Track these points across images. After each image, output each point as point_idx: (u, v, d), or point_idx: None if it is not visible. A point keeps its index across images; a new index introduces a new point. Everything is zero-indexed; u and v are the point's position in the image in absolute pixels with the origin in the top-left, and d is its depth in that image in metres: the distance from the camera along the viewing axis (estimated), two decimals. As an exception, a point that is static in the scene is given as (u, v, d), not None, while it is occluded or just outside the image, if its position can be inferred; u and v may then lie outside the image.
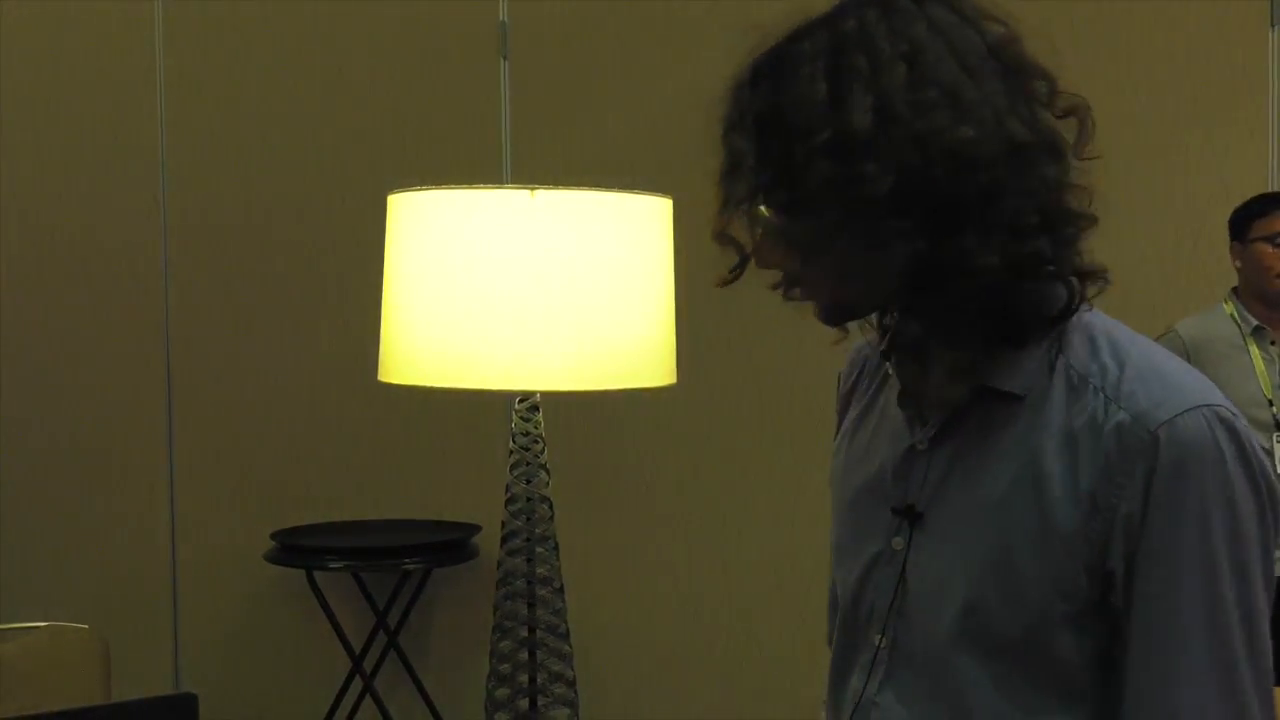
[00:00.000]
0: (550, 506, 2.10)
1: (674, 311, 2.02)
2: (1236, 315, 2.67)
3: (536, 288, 1.89)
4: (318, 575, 2.80)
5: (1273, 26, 2.71)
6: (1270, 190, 2.75)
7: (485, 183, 1.99)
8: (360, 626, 2.91)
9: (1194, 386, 0.95)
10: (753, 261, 1.03)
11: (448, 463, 2.98)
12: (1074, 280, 0.96)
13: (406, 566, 2.79)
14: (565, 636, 2.11)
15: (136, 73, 3.01)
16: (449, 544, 2.84)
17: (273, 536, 2.85)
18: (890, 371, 1.08)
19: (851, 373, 1.19)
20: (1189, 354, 2.61)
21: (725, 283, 1.06)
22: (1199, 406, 0.93)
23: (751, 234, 1.00)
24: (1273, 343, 2.66)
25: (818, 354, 3.26)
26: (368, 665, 2.88)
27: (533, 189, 1.92)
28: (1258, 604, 0.94)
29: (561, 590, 2.11)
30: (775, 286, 1.04)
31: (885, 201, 0.91)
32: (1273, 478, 0.95)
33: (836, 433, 1.18)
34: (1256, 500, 0.94)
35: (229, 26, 3.02)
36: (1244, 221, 2.67)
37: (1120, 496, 0.93)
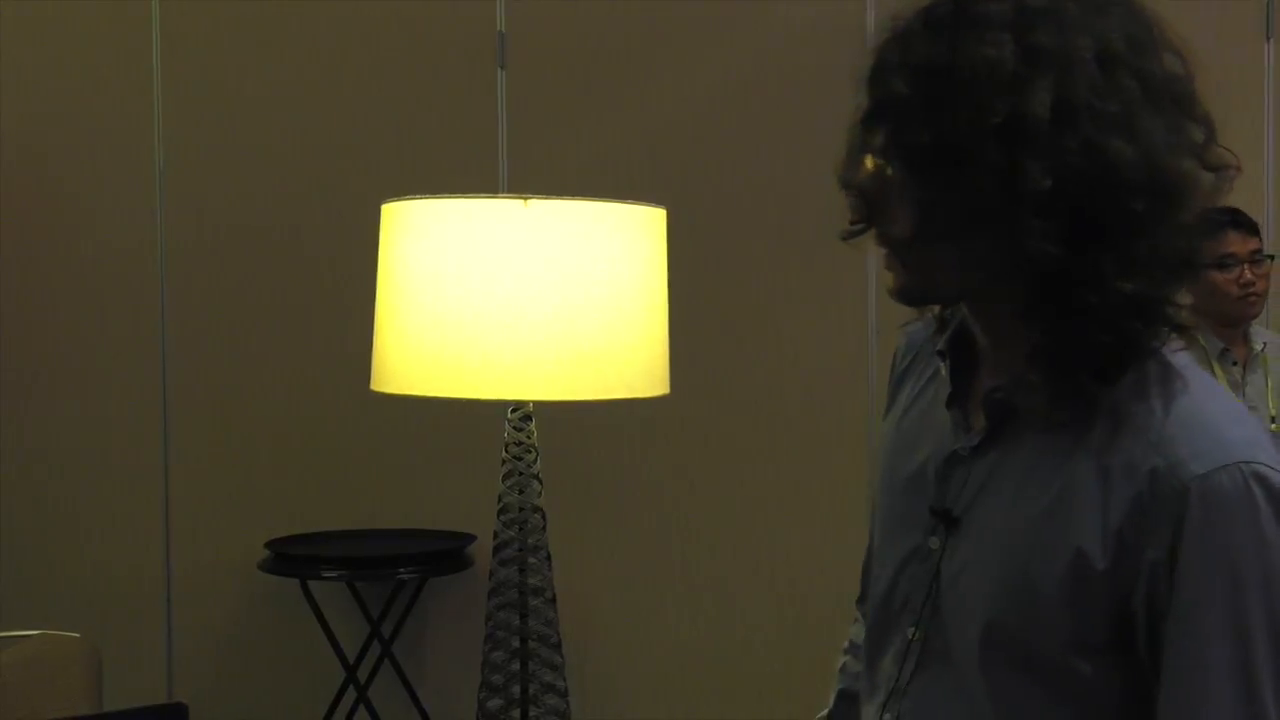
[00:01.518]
0: (542, 516, 2.10)
1: (667, 321, 2.02)
2: (1201, 338, 2.62)
3: (529, 297, 1.89)
4: (312, 584, 2.80)
5: (1268, 38, 2.71)
6: (1269, 205, 2.75)
7: (482, 192, 1.99)
8: (354, 636, 2.90)
9: (1236, 440, 0.92)
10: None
11: (443, 472, 2.97)
12: (1168, 331, 0.94)
13: (401, 576, 2.79)
14: (557, 647, 2.11)
15: (133, 79, 3.01)
16: (443, 554, 2.83)
17: (267, 545, 2.85)
18: (943, 371, 1.06)
19: (908, 354, 1.17)
20: None
21: (848, 236, 1.00)
22: (1237, 463, 0.90)
23: (873, 190, 0.95)
24: (1235, 363, 2.63)
25: (810, 364, 3.27)
26: (361, 675, 2.87)
27: (526, 199, 1.92)
28: None
29: (554, 600, 2.11)
30: (884, 248, 0.99)
31: (1038, 199, 0.88)
32: None
33: (887, 411, 1.17)
34: None
35: (226, 33, 3.03)
36: None
37: (1148, 543, 0.91)
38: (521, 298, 1.89)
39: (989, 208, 0.89)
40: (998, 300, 0.97)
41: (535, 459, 2.10)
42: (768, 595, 2.96)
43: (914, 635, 1.04)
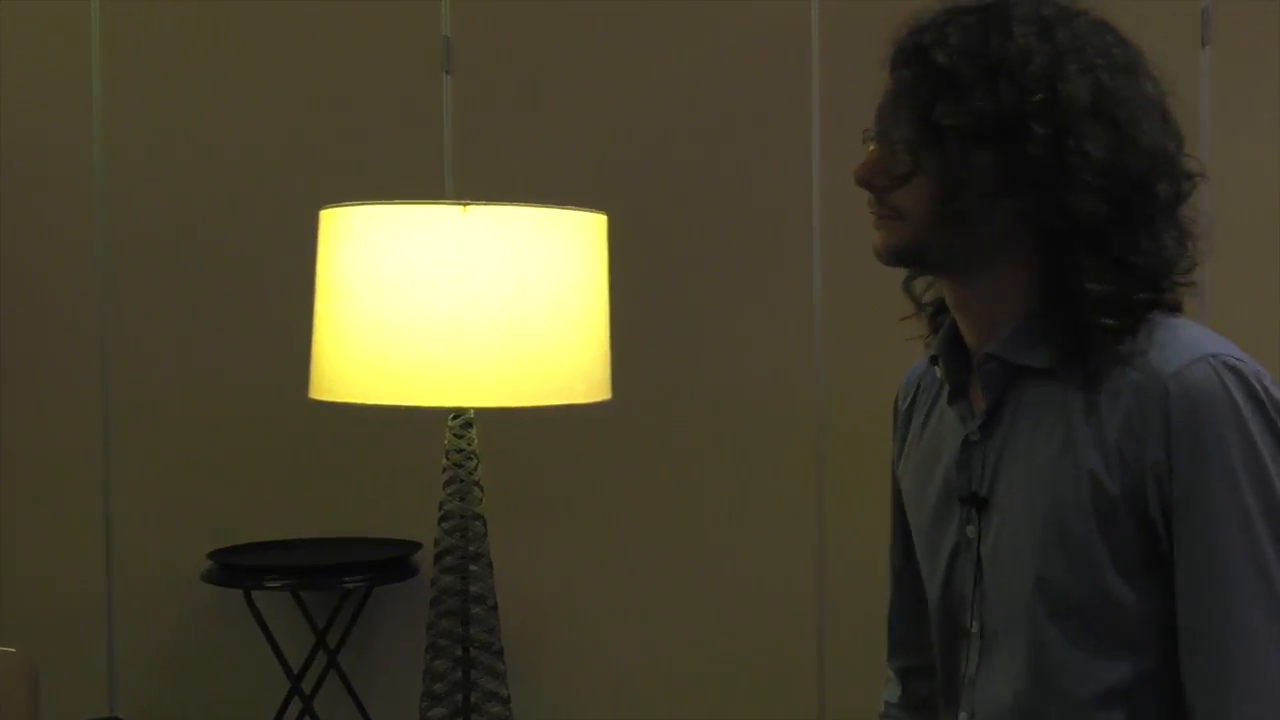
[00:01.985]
0: (484, 524, 2.09)
1: (608, 327, 2.02)
2: None
3: (469, 304, 1.88)
4: (256, 595, 2.76)
5: (1204, 45, 2.76)
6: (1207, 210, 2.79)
7: (428, 198, 1.98)
8: (300, 646, 2.87)
9: (1205, 341, 1.03)
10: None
11: (387, 480, 2.95)
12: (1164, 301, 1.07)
13: (346, 585, 2.76)
14: (500, 654, 2.10)
15: (72, 79, 2.97)
16: (389, 562, 2.81)
17: (210, 556, 2.81)
18: (940, 376, 1.15)
19: (907, 395, 1.26)
20: None
21: (872, 184, 1.10)
22: (1204, 357, 1.00)
23: (900, 155, 1.06)
24: None
25: (756, 368, 3.27)
26: (307, 686, 2.84)
27: (465, 205, 1.91)
28: None
29: (496, 608, 2.10)
30: (878, 214, 1.10)
31: (1091, 166, 1.01)
32: None
33: (899, 456, 1.26)
34: (1274, 437, 0.99)
35: (167, 34, 2.99)
36: None
37: (1144, 449, 1.00)
38: (461, 304, 1.88)
39: (1035, 175, 1.01)
40: (996, 260, 1.07)
41: (476, 466, 2.09)
42: (715, 600, 2.96)
43: (973, 628, 1.12)
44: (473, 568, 2.07)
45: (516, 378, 1.89)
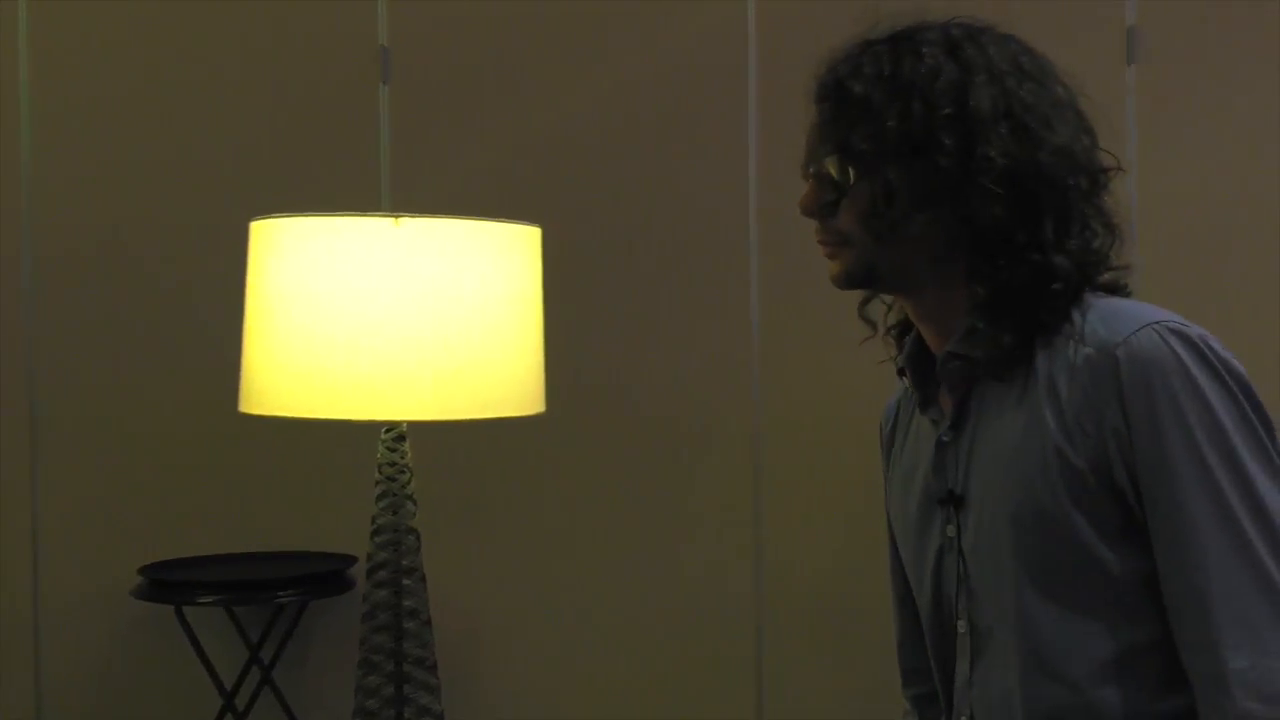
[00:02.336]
0: (417, 537, 2.08)
1: (542, 339, 2.02)
2: None
3: (401, 317, 1.87)
4: (187, 611, 2.72)
5: (1129, 63, 2.81)
6: (1134, 226, 2.85)
7: (365, 209, 1.97)
8: (233, 662, 2.83)
9: (1145, 311, 1.08)
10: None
11: (322, 493, 2.92)
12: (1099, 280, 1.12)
13: (280, 599, 2.73)
14: (433, 669, 2.08)
15: None
16: (324, 576, 2.78)
17: (140, 571, 2.76)
18: (908, 386, 1.21)
19: (888, 422, 1.31)
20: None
21: (813, 212, 1.15)
22: (1149, 324, 1.05)
23: (828, 183, 1.12)
24: None
25: (693, 379, 3.28)
26: (240, 702, 2.80)
27: (397, 217, 1.90)
28: (1257, 487, 1.02)
29: (430, 623, 2.08)
30: (823, 242, 1.16)
31: (993, 174, 1.06)
32: (1238, 368, 1.05)
33: (887, 480, 1.30)
34: (1225, 391, 1.03)
35: (96, 42, 2.94)
36: None
37: (1103, 419, 1.03)
38: (393, 317, 1.87)
39: (948, 185, 1.07)
40: (940, 273, 1.12)
41: (409, 479, 2.07)
42: (653, 612, 2.96)
43: (962, 628, 1.14)
44: (406, 582, 2.05)
45: (449, 391, 1.88)
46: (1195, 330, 1.05)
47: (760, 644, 2.95)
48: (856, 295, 1.22)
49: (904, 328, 1.22)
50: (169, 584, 2.73)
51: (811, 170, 1.14)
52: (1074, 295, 1.09)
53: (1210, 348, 1.05)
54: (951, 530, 1.14)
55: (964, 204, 1.07)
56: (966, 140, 1.06)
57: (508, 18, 2.98)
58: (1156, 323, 1.05)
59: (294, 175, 2.91)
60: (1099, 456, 1.04)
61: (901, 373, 1.21)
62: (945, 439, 1.16)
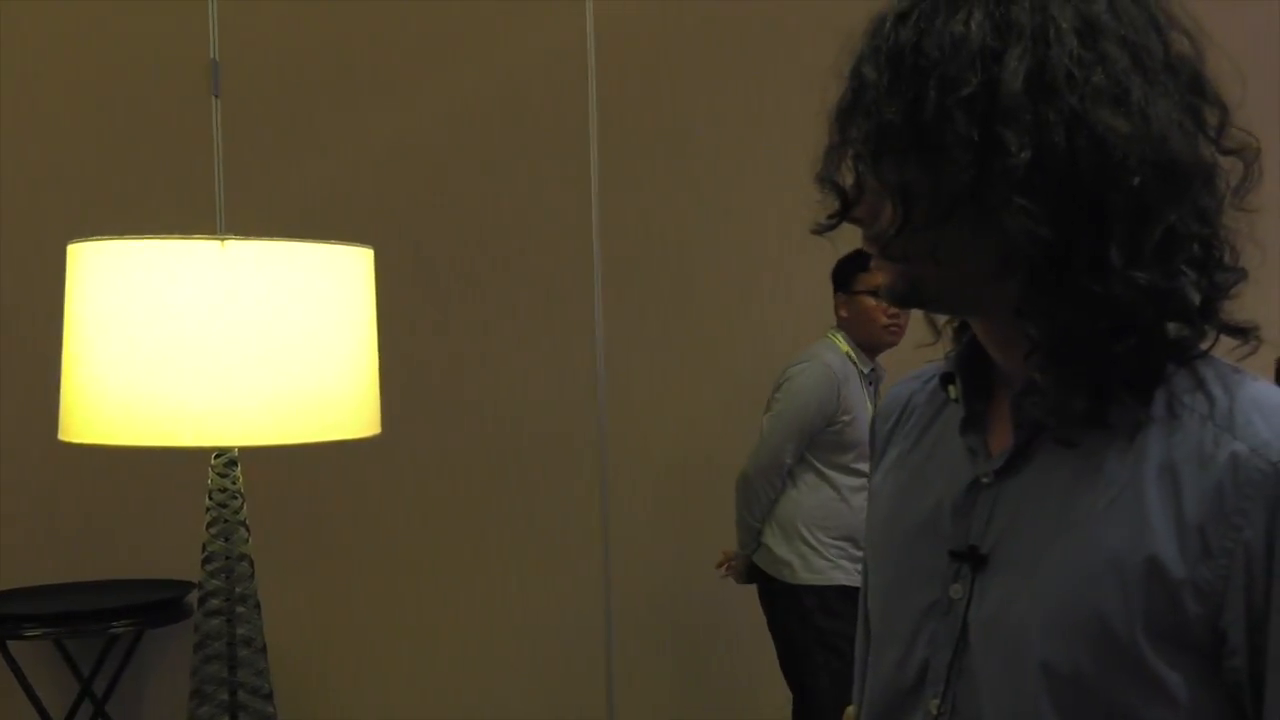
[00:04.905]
0: (250, 564, 2.04)
1: (377, 361, 2.01)
2: (853, 355, 2.85)
3: (229, 341, 1.83)
4: (12, 645, 2.61)
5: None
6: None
7: (200, 226, 1.92)
8: (64, 696, 2.73)
9: None
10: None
11: (155, 519, 2.84)
12: (1216, 333, 0.86)
13: (114, 630, 2.64)
14: (269, 698, 2.05)
15: None
16: (158, 604, 2.70)
17: (-39, 606, 2.64)
18: (954, 397, 0.95)
19: (889, 417, 1.06)
20: (839, 386, 2.78)
21: (821, 230, 0.92)
22: None
23: (854, 183, 0.88)
24: (872, 384, 2.89)
25: (537, 397, 3.29)
26: (72, 738, 2.71)
27: (223, 239, 1.87)
28: None
29: (264, 650, 2.05)
30: (869, 248, 0.91)
31: (1018, 174, 0.80)
32: None
33: (871, 477, 1.07)
34: None
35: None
36: (848, 274, 2.85)
37: (1238, 538, 0.80)
38: (220, 342, 1.83)
39: (967, 188, 0.81)
40: (992, 299, 0.87)
41: (241, 505, 2.03)
42: (502, 630, 2.96)
43: (938, 709, 0.90)
44: (239, 609, 2.01)
45: (281, 415, 1.85)
46: None
47: (610, 653, 2.98)
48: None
49: (965, 323, 0.97)
50: (-8, 618, 2.62)
51: (819, 177, 0.90)
52: (1172, 347, 0.84)
53: None
54: (958, 592, 0.89)
55: (988, 217, 0.82)
56: (987, 126, 0.80)
57: (343, 30, 2.95)
58: None
59: (126, 193, 2.83)
60: (1214, 582, 0.80)
61: (948, 378, 0.96)
62: (986, 480, 0.90)
